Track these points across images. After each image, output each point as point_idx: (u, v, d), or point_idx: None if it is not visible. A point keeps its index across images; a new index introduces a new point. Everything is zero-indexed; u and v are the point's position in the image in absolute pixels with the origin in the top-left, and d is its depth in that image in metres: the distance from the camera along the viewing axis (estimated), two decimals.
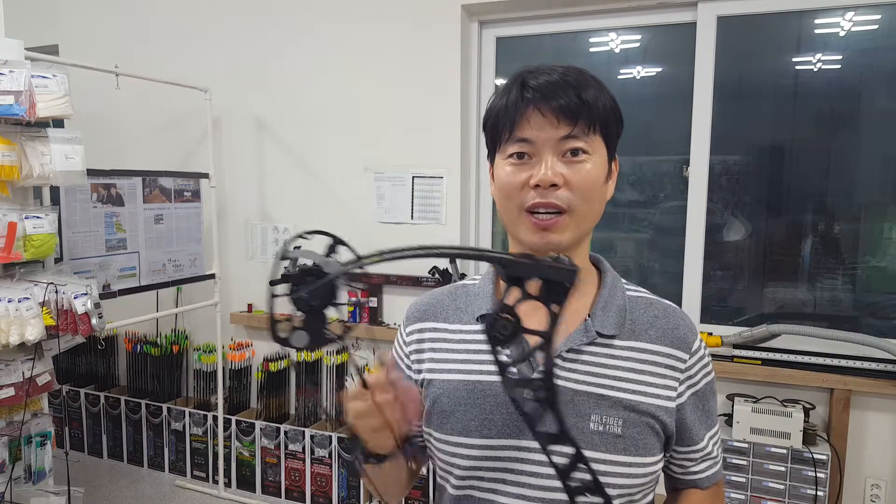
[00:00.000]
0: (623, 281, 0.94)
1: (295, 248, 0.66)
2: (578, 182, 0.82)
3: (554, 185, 0.81)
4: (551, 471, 0.83)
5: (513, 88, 0.84)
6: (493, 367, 0.83)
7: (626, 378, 0.85)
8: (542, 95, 0.81)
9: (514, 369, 0.73)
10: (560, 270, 0.67)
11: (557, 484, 0.82)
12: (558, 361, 0.86)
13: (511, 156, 0.84)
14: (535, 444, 0.84)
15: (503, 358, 0.68)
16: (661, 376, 0.87)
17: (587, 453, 0.82)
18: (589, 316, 0.88)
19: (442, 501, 0.93)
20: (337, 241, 0.68)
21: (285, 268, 0.67)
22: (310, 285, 0.64)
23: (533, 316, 0.74)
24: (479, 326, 0.91)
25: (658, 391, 0.86)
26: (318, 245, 0.71)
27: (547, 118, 0.81)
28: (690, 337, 0.90)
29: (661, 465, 0.89)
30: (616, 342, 0.87)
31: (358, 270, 0.65)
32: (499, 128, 0.85)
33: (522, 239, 0.85)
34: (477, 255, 0.69)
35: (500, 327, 0.67)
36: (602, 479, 0.81)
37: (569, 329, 0.88)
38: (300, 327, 0.67)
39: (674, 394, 0.87)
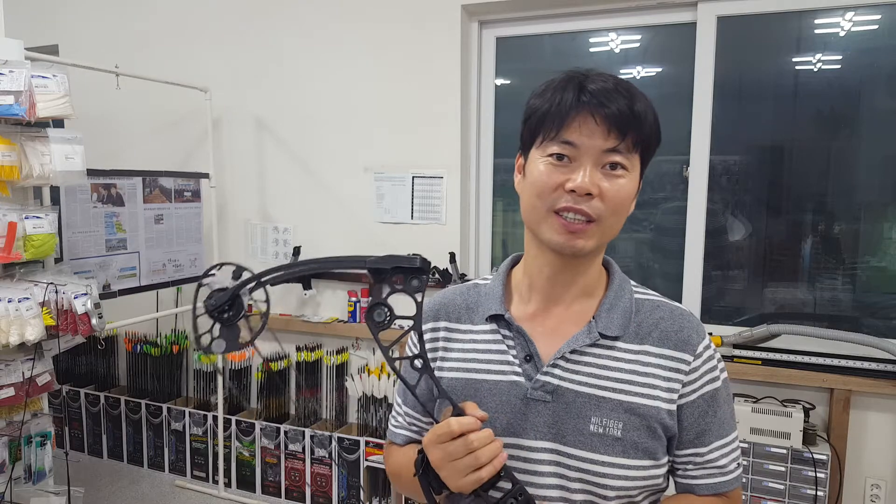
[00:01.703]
0: (633, 283, 0.95)
1: (210, 273, 0.85)
2: (612, 196, 0.82)
3: (589, 194, 0.81)
4: (551, 469, 0.85)
5: (568, 88, 0.83)
6: (499, 368, 0.90)
7: (628, 380, 0.86)
8: (598, 102, 0.80)
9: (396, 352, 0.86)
10: (411, 260, 0.79)
11: (556, 482, 0.85)
12: (561, 363, 0.87)
13: (551, 155, 0.83)
14: (536, 444, 0.86)
15: (383, 345, 0.83)
16: (664, 379, 0.86)
17: (586, 454, 0.84)
18: (594, 318, 0.89)
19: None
20: (240, 268, 0.82)
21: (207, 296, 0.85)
22: (214, 296, 0.80)
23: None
24: (488, 327, 0.92)
25: (660, 393, 0.86)
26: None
27: (599, 126, 0.81)
28: (695, 339, 0.89)
29: (664, 469, 0.89)
30: (619, 344, 0.87)
31: (251, 284, 0.80)
32: (545, 124, 0.83)
33: (546, 238, 0.85)
34: (338, 263, 0.82)
35: (377, 315, 0.81)
36: (600, 480, 0.83)
37: (573, 330, 0.89)
38: (218, 336, 0.81)
39: (675, 395, 0.87)
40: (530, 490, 0.84)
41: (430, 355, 0.96)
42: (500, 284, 0.95)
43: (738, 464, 0.93)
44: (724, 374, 0.91)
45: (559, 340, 0.88)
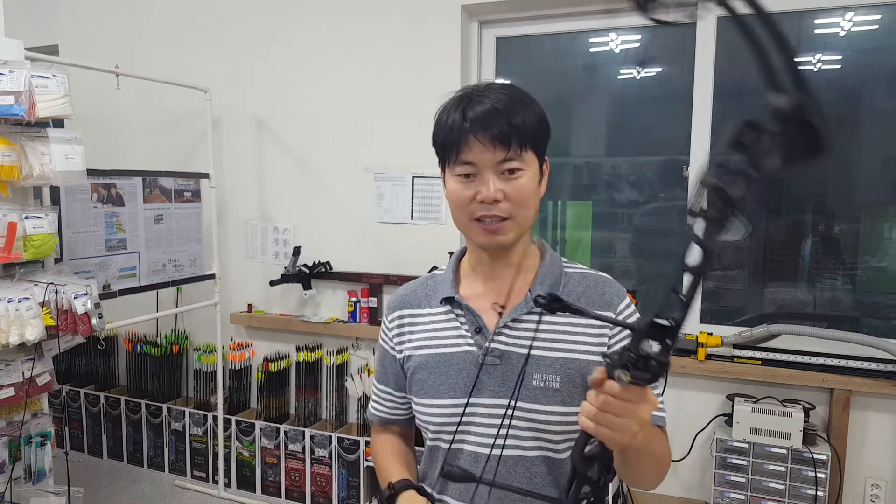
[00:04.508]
0: (564, 260, 1.12)
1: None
2: (516, 194, 0.97)
3: (496, 200, 0.97)
4: (499, 421, 1.01)
5: (454, 114, 0.99)
6: (454, 341, 1.07)
7: (563, 340, 1.02)
8: (479, 125, 0.95)
9: None
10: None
11: (509, 431, 1.00)
12: (505, 331, 1.03)
13: (459, 175, 0.99)
14: (491, 401, 1.02)
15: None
16: (594, 336, 1.02)
17: (532, 406, 0.99)
18: (529, 290, 1.05)
19: (423, 455, 1.14)
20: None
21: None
22: None
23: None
24: (443, 308, 1.09)
25: (590, 348, 1.02)
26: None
27: (485, 145, 0.96)
28: (616, 301, 1.06)
29: None
30: None
31: None
32: (446, 149, 1.00)
33: (474, 240, 1.04)
34: None
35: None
36: (547, 427, 0.99)
37: (514, 303, 1.05)
38: None
39: (604, 348, 1.03)
40: (483, 439, 1.01)
41: (397, 339, 1.13)
42: (452, 271, 1.12)
43: (660, 408, 1.04)
44: None
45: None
